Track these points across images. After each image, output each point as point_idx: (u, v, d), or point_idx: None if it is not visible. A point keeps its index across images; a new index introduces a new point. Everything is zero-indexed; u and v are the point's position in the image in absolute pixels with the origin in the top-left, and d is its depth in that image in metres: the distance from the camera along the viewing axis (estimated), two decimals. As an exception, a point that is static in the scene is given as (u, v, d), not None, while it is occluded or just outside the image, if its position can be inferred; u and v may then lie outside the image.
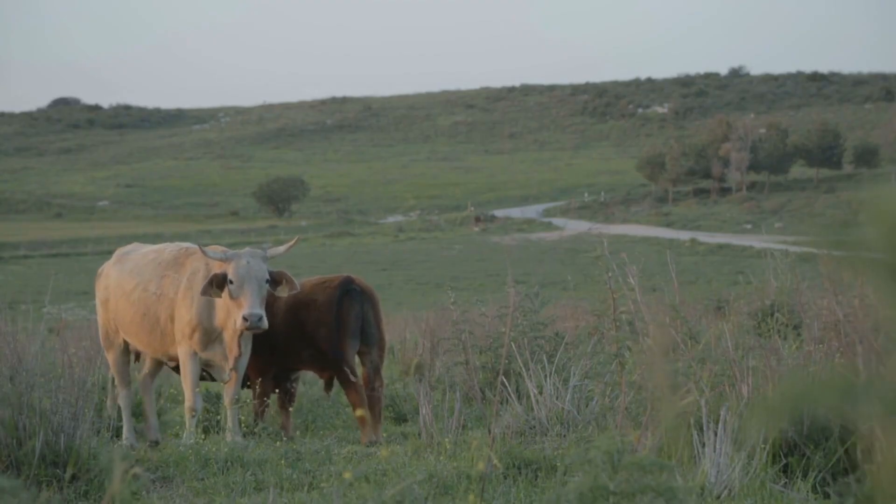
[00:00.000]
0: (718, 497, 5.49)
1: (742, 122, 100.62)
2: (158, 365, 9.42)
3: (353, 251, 69.08)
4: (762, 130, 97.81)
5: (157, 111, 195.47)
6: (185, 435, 8.63)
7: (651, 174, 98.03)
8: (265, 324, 8.34)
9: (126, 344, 9.29)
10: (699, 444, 5.72)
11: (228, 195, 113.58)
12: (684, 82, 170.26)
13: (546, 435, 7.47)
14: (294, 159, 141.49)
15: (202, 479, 6.74)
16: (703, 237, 66.05)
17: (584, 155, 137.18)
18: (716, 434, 5.61)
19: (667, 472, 4.20)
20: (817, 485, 5.53)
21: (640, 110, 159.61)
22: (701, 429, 5.72)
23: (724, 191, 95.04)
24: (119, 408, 9.29)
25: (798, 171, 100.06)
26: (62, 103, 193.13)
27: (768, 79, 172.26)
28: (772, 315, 9.99)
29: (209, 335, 8.63)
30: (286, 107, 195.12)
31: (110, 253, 10.05)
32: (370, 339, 8.89)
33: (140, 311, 8.91)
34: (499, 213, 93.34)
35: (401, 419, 10.10)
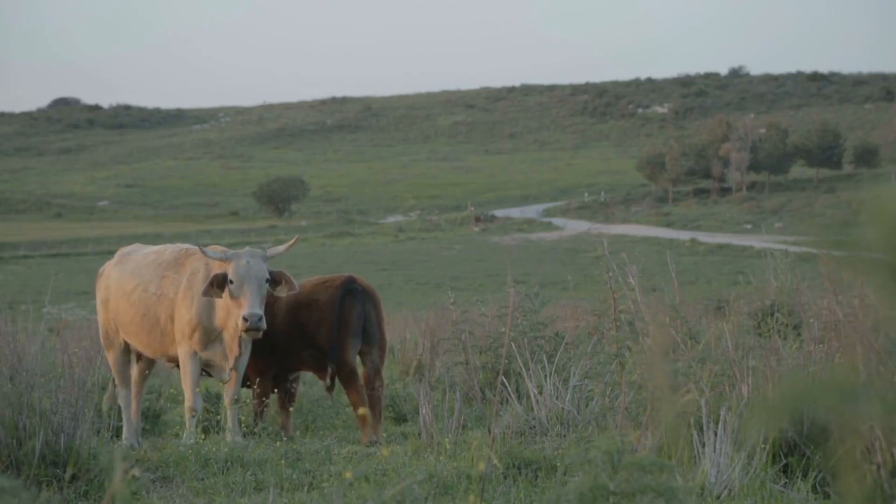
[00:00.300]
0: (718, 497, 5.49)
1: (742, 122, 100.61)
2: (150, 366, 9.44)
3: (353, 251, 69.08)
4: (762, 130, 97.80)
5: (157, 111, 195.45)
6: (185, 435, 8.63)
7: (651, 174, 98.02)
8: (264, 324, 8.35)
9: (126, 344, 9.30)
10: (699, 444, 5.72)
11: (228, 195, 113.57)
12: (684, 82, 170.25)
13: (546, 435, 7.47)
14: (294, 159, 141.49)
15: (202, 479, 6.74)
16: (703, 237, 66.04)
17: (584, 155, 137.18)
18: (716, 434, 5.61)
19: (667, 472, 4.20)
20: (817, 485, 5.53)
21: (640, 110, 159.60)
22: (701, 429, 5.72)
23: (724, 191, 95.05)
24: (116, 407, 9.29)
25: (798, 171, 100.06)
26: (62, 103, 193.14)
27: (768, 79, 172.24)
28: (772, 315, 9.99)
29: (209, 335, 8.64)
30: (286, 107, 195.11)
31: (110, 253, 10.07)
32: (371, 338, 8.90)
33: (140, 312, 8.92)
34: (499, 213, 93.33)
35: (401, 419, 10.10)
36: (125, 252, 9.48)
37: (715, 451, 5.57)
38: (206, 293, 8.40)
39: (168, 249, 9.15)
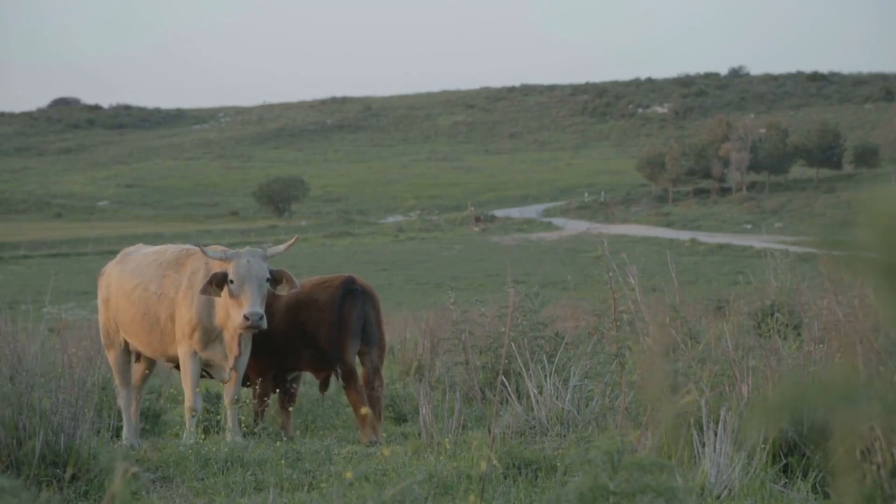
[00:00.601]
0: (718, 497, 5.49)
1: (742, 122, 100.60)
2: (150, 366, 9.45)
3: (353, 251, 69.08)
4: (762, 130, 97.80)
5: (157, 111, 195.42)
6: (185, 435, 8.63)
7: (651, 174, 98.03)
8: (265, 323, 8.37)
9: (126, 343, 9.30)
10: (699, 444, 5.72)
11: (228, 195, 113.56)
12: (684, 82, 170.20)
13: (546, 435, 7.47)
14: (294, 159, 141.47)
15: (202, 479, 6.74)
16: (703, 237, 66.03)
17: (584, 155, 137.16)
18: (716, 434, 5.62)
19: (667, 472, 4.20)
20: (817, 485, 5.53)
21: (640, 110, 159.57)
22: (701, 429, 5.72)
23: (724, 191, 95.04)
24: (116, 407, 9.30)
25: (798, 171, 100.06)
26: (62, 103, 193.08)
27: (768, 79, 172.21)
28: (772, 315, 10.00)
29: (209, 335, 8.65)
30: (286, 107, 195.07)
31: (110, 253, 10.09)
32: (371, 339, 8.90)
33: (140, 311, 8.93)
34: (499, 213, 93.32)
35: (401, 419, 10.10)
36: (127, 252, 9.50)
37: (715, 451, 5.57)
38: (204, 291, 8.41)
39: (169, 249, 9.18)
